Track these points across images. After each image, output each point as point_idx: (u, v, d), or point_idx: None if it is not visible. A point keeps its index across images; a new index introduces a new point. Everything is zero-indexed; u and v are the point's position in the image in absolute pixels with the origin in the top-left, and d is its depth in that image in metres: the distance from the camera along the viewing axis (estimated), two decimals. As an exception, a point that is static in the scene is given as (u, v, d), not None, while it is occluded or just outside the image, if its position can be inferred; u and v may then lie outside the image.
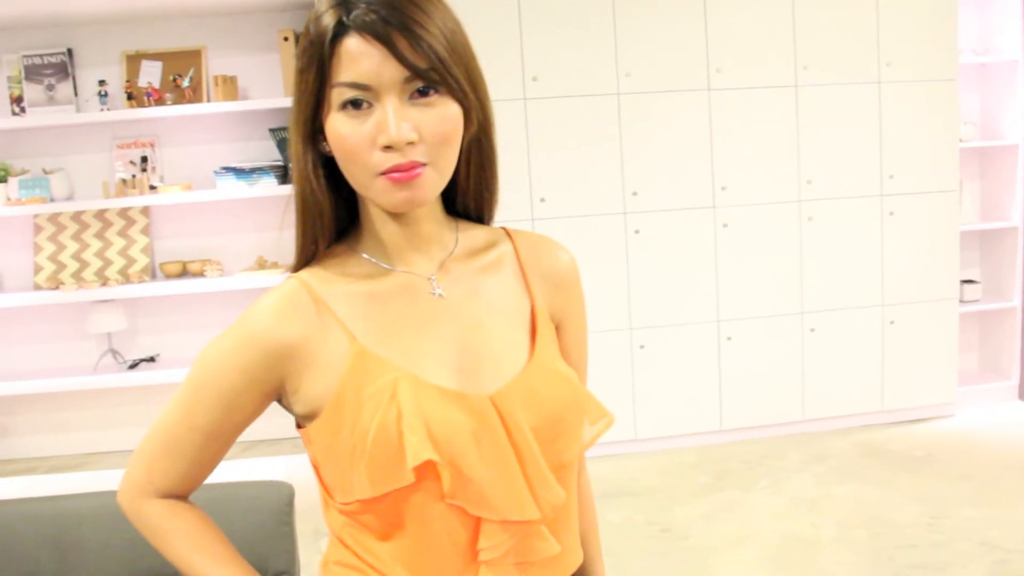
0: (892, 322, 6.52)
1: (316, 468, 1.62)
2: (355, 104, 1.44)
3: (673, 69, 6.11)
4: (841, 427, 6.58)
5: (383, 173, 1.45)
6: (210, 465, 1.65)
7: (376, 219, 1.60)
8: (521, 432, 1.52)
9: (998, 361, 7.12)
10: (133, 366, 6.65)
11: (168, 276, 6.60)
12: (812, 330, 6.44)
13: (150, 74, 6.51)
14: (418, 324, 1.58)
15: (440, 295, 1.61)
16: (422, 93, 1.45)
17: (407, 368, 1.53)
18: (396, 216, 1.58)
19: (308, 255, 1.61)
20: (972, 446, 6.15)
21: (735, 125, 6.21)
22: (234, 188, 6.36)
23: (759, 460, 6.09)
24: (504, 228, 1.75)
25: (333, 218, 1.60)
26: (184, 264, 6.62)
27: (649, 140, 6.16)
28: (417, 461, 1.42)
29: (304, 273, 1.59)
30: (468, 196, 1.67)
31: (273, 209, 6.65)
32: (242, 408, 1.58)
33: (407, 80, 1.44)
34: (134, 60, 6.51)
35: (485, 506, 1.50)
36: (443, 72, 1.45)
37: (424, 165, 1.46)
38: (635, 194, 6.17)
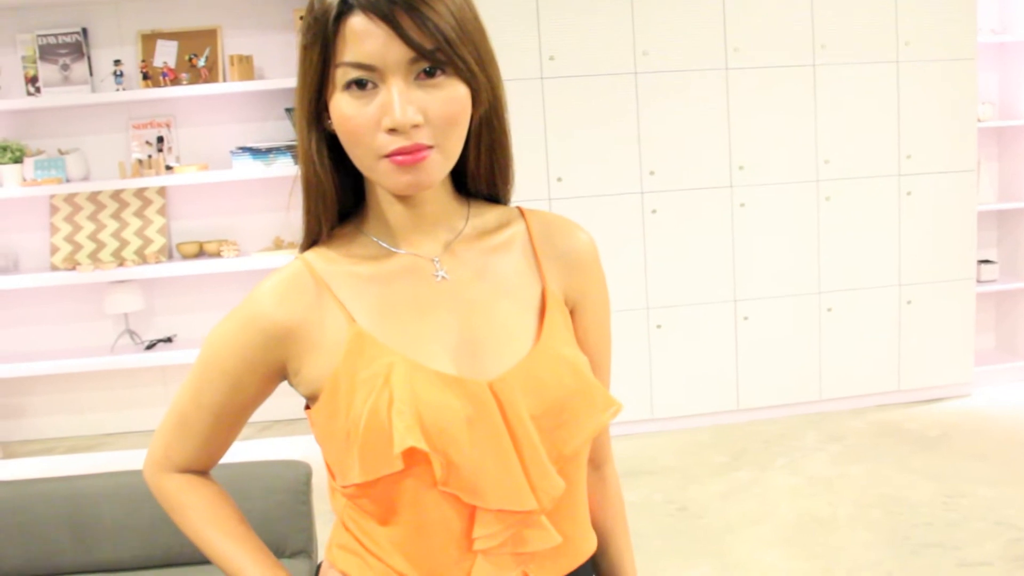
0: (909, 302, 6.46)
1: (321, 447, 1.60)
2: (360, 84, 1.40)
3: (690, 48, 6.02)
4: (858, 407, 6.55)
5: (387, 155, 1.41)
6: (223, 443, 1.66)
7: (382, 200, 1.56)
8: (520, 420, 1.48)
9: (1015, 341, 7.07)
10: (150, 346, 6.62)
11: (185, 256, 6.55)
12: (829, 310, 6.38)
13: (165, 54, 6.43)
14: (419, 307, 1.55)
15: (443, 278, 1.56)
16: (428, 74, 1.40)
17: (405, 352, 1.49)
18: (402, 197, 1.54)
19: (314, 235, 1.58)
20: (988, 426, 6.11)
21: (753, 104, 6.12)
22: (250, 168, 6.29)
23: (776, 439, 6.05)
24: (519, 208, 1.70)
25: (337, 199, 1.56)
26: (201, 244, 6.57)
27: (666, 119, 6.07)
28: (402, 447, 1.39)
29: (310, 253, 1.57)
30: (479, 177, 1.62)
31: (289, 189, 6.57)
32: (246, 389, 1.57)
33: (413, 61, 1.39)
34: (149, 39, 6.43)
35: (479, 495, 1.46)
36: (450, 53, 1.40)
37: (430, 148, 1.42)
38: (652, 173, 6.11)
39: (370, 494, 1.49)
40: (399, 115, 1.37)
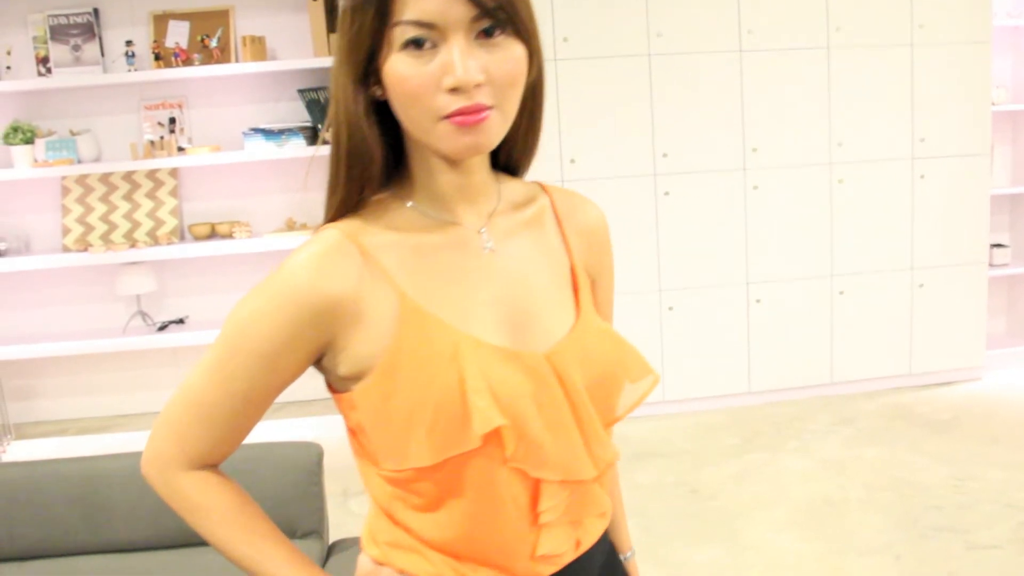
0: (921, 285, 6.42)
1: (356, 433, 1.51)
2: (417, 44, 1.34)
3: (705, 30, 5.96)
4: (869, 390, 6.52)
5: (447, 116, 1.36)
6: (246, 430, 1.53)
7: (430, 167, 1.49)
8: (577, 390, 1.46)
9: None
10: (162, 328, 6.59)
11: (197, 238, 6.51)
12: (841, 293, 6.35)
13: (177, 34, 6.35)
14: (469, 279, 1.49)
15: (491, 249, 1.52)
16: (487, 33, 1.35)
17: (460, 326, 1.44)
18: (452, 164, 1.48)
19: (349, 205, 1.48)
20: (999, 409, 6.10)
21: (766, 87, 6.06)
22: (263, 149, 6.24)
23: (787, 422, 6.03)
24: (538, 183, 1.67)
25: (384, 164, 1.48)
26: (213, 226, 6.53)
27: (680, 101, 6.02)
28: (487, 427, 1.34)
29: (343, 224, 1.46)
30: (516, 146, 1.58)
31: (302, 171, 6.49)
32: (283, 370, 1.45)
33: (474, 19, 1.34)
34: (161, 20, 6.36)
35: (545, 467, 1.44)
36: (511, 11, 1.36)
37: (490, 108, 1.37)
38: (665, 155, 6.08)
39: (433, 477, 1.43)
40: (462, 73, 1.33)
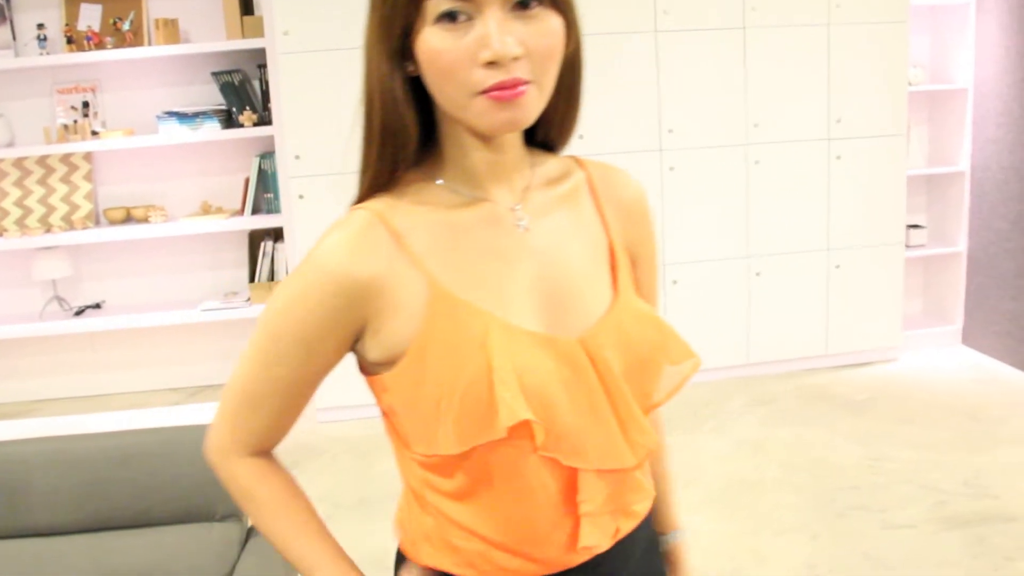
0: (838, 266, 6.44)
1: (388, 415, 1.50)
2: (451, 17, 1.30)
3: (620, 10, 5.96)
4: (785, 371, 6.55)
5: (483, 92, 1.31)
6: (294, 417, 1.52)
7: (463, 143, 1.44)
8: (612, 376, 1.43)
9: (942, 306, 7.07)
10: (79, 313, 6.56)
11: (112, 222, 6.47)
12: (758, 274, 6.36)
13: (89, 17, 6.28)
14: (503, 260, 1.45)
15: (525, 227, 1.47)
16: (523, 5, 1.31)
17: (493, 310, 1.40)
18: (485, 141, 1.43)
19: (380, 183, 1.44)
20: (915, 390, 6.14)
21: (682, 68, 6.05)
22: (177, 133, 6.21)
23: (703, 403, 6.05)
24: (574, 157, 1.61)
25: (418, 141, 1.43)
26: (128, 210, 6.49)
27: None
28: (513, 420, 1.31)
29: (373, 203, 1.43)
30: (551, 123, 1.52)
31: (217, 154, 6.52)
32: (323, 353, 1.43)
33: None
34: (73, 3, 6.29)
35: (579, 456, 1.41)
36: None
37: (527, 83, 1.32)
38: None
39: (462, 464, 1.41)
40: (498, 46, 1.28)
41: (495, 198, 1.47)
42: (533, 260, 1.47)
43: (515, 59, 1.31)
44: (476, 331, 1.37)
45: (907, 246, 6.71)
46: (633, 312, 1.51)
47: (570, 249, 1.51)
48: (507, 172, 1.48)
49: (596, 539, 1.47)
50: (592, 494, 1.44)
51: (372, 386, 1.48)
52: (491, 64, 1.30)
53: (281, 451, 1.60)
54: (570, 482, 1.43)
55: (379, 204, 1.43)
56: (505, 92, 1.31)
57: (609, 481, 1.46)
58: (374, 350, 1.42)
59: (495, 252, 1.45)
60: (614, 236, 1.57)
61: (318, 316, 1.39)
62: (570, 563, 1.48)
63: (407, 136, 1.41)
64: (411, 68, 1.38)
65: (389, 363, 1.41)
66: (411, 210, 1.43)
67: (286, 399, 1.48)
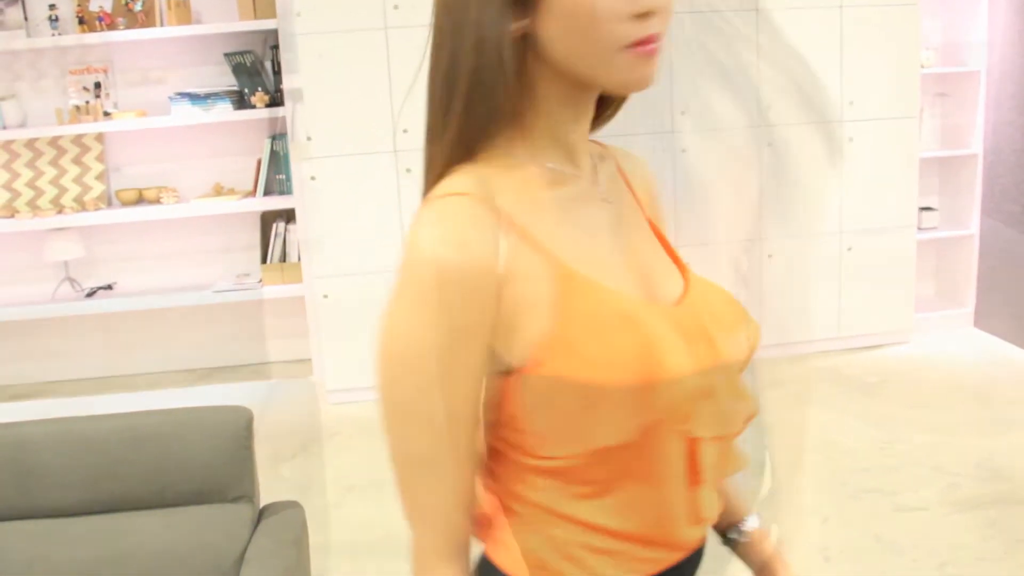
0: (850, 249, 6.40)
1: (503, 425, 1.33)
2: None
3: None
4: (797, 352, 6.50)
5: (631, 45, 1.23)
6: (473, 466, 1.32)
7: (553, 113, 1.34)
8: (720, 344, 1.35)
9: (955, 288, 7.03)
10: (91, 294, 6.56)
11: (124, 204, 6.45)
12: (770, 256, 6.33)
13: None
14: (602, 234, 1.37)
15: (608, 201, 1.41)
16: None
17: (612, 285, 1.29)
18: (577, 109, 1.35)
19: (461, 150, 1.31)
20: (927, 372, 6.11)
21: (696, 49, 5.97)
22: (189, 114, 6.18)
23: (715, 386, 6.07)
24: (593, 140, 1.50)
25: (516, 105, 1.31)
26: (140, 191, 6.47)
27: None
28: (686, 391, 1.25)
29: (464, 182, 1.27)
30: (613, 97, 1.46)
31: (229, 135, 6.49)
32: (468, 372, 1.25)
33: None
34: None
35: (704, 424, 1.32)
36: None
37: (660, 39, 1.25)
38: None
39: (610, 456, 1.28)
40: None
41: (579, 171, 1.39)
42: (621, 233, 1.40)
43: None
44: (615, 308, 1.26)
45: (919, 228, 6.66)
46: (706, 284, 1.45)
47: (638, 223, 1.47)
48: (584, 146, 1.40)
49: (710, 509, 1.42)
50: (711, 461, 1.37)
51: (500, 391, 1.29)
52: (644, 16, 1.22)
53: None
54: (691, 453, 1.34)
55: (471, 183, 1.27)
56: (650, 46, 1.24)
57: (720, 448, 1.39)
58: (512, 348, 1.25)
59: (595, 228, 1.37)
60: (649, 214, 1.52)
61: (447, 331, 1.22)
62: (690, 543, 1.41)
63: (505, 94, 1.27)
64: (519, 25, 1.26)
65: (522, 358, 1.24)
66: (507, 187, 1.29)
67: (457, 445, 1.28)
